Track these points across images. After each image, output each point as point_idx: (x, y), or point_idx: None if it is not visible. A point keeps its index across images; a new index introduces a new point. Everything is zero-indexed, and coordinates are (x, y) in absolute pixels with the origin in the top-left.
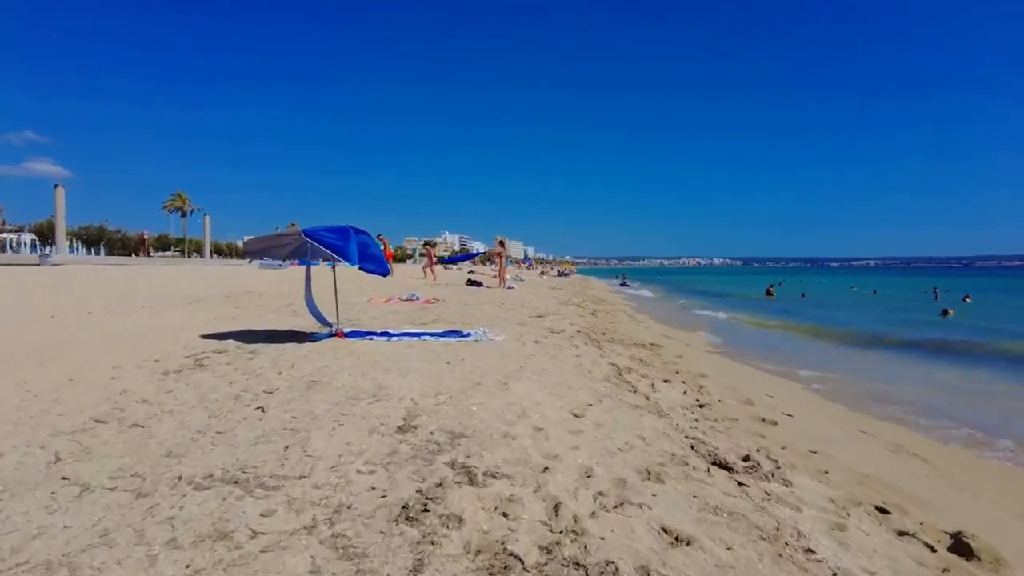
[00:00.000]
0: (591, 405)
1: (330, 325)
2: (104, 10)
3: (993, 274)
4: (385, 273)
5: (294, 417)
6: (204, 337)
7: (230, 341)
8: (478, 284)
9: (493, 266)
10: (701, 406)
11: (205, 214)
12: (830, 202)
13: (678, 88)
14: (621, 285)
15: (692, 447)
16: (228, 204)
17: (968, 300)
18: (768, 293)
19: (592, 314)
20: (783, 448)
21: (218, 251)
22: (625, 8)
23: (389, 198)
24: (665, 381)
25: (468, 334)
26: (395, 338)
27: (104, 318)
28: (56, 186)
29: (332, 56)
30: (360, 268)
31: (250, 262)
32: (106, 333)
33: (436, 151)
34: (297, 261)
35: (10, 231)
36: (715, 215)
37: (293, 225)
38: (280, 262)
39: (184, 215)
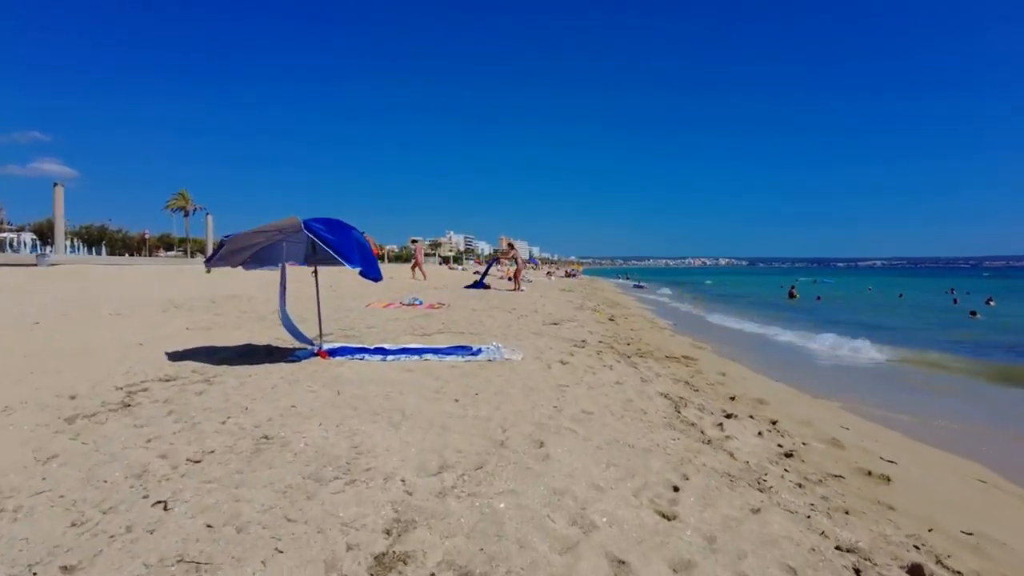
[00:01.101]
0: (678, 489)
1: (311, 343)
2: (109, 7)
3: (1004, 275)
4: (378, 278)
5: (209, 526)
6: (160, 356)
7: (188, 362)
8: (485, 287)
9: (498, 267)
10: (788, 455)
11: (207, 214)
12: (836, 202)
13: (684, 87)
14: (635, 287)
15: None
16: (232, 203)
17: (992, 303)
18: (791, 296)
19: (610, 320)
20: (930, 531)
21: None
22: (633, 6)
23: (393, 197)
24: (728, 416)
25: (478, 350)
26: (391, 357)
27: (55, 329)
28: (55, 185)
29: (337, 54)
30: (360, 273)
31: (209, 271)
32: (37, 352)
33: (440, 151)
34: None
35: (10, 231)
36: (720, 215)
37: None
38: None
39: (187, 214)
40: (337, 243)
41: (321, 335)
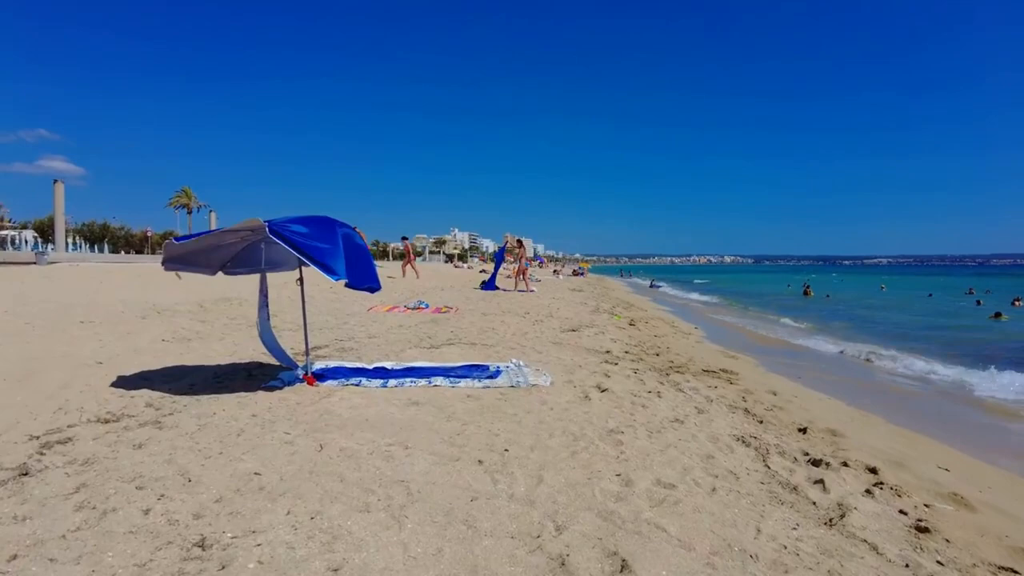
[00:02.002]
0: None
1: (296, 366)
2: (114, 2)
3: (1012, 272)
4: (374, 287)
5: None
6: (115, 381)
7: (145, 391)
8: (495, 288)
9: (505, 265)
10: (922, 529)
11: (211, 211)
12: (841, 199)
13: (689, 84)
14: (650, 286)
15: None
16: (236, 200)
17: (1019, 304)
18: (805, 293)
19: (631, 324)
20: None
21: None
22: (637, 4)
23: (398, 194)
24: (816, 463)
25: (497, 371)
26: (392, 381)
27: (5, 343)
28: (55, 182)
29: (342, 50)
30: (348, 285)
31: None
32: None
33: (444, 147)
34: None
35: (12, 228)
36: (725, 213)
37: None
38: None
39: (190, 212)
40: (313, 248)
41: (308, 355)
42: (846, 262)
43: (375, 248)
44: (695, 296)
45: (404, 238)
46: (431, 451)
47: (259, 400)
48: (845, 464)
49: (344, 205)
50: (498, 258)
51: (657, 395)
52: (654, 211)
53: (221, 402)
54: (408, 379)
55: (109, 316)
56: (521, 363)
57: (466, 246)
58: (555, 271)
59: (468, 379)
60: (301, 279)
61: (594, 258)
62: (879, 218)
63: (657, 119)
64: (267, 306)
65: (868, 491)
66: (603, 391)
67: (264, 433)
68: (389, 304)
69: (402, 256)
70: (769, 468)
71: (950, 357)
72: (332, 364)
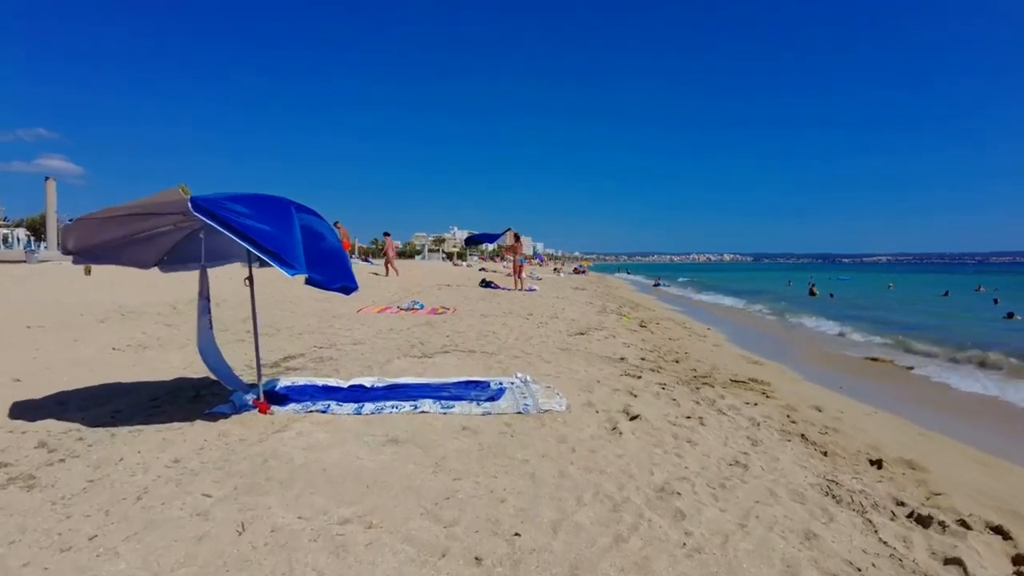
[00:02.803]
0: None
1: (246, 389)
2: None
3: (1014, 270)
4: (350, 288)
5: None
6: (18, 406)
7: (46, 424)
8: (493, 286)
9: (505, 263)
10: None
11: None
12: (840, 196)
13: (689, 81)
14: (654, 286)
15: None
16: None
17: None
18: (811, 293)
19: (641, 326)
20: None
21: None
22: (634, 1)
23: (398, 190)
24: (925, 521)
25: (500, 389)
26: (369, 406)
27: None
28: (47, 179)
29: (342, 47)
30: (308, 281)
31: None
32: None
33: (445, 147)
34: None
35: (5, 226)
36: (725, 211)
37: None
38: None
39: None
40: (258, 232)
41: (260, 374)
42: (845, 260)
43: (373, 247)
44: (700, 294)
45: (386, 234)
46: (406, 534)
47: (191, 436)
48: (964, 524)
49: (345, 203)
50: (490, 240)
51: (700, 422)
52: (653, 210)
53: (140, 439)
54: (389, 402)
55: (63, 320)
56: (528, 378)
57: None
58: (556, 269)
59: (464, 401)
60: (251, 277)
61: (594, 256)
62: (878, 215)
63: (659, 117)
64: (209, 311)
65: (1019, 574)
66: (633, 418)
67: (174, 497)
68: (382, 304)
69: (413, 254)
70: (885, 542)
71: (981, 358)
72: (300, 381)
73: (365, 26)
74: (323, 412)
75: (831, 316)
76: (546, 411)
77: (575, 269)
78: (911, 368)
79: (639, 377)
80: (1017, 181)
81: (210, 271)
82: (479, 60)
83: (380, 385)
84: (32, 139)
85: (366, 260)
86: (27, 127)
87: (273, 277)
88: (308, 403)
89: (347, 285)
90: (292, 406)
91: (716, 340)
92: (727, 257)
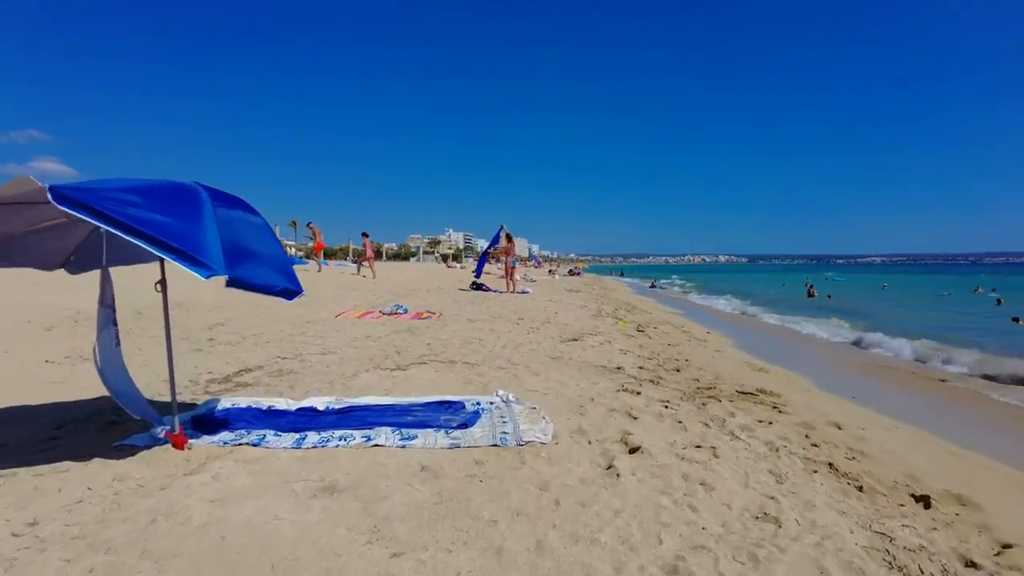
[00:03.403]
0: None
1: (158, 420)
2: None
3: (1007, 271)
4: (293, 293)
5: None
6: None
7: None
8: (484, 288)
9: (499, 264)
10: None
11: None
12: (832, 191)
13: (687, 78)
14: (651, 287)
15: None
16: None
17: None
18: (809, 295)
19: (639, 331)
20: None
21: None
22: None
23: (392, 190)
24: None
25: (475, 412)
26: (314, 437)
27: None
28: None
29: (334, 45)
30: (231, 283)
31: None
32: None
33: (440, 146)
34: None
35: None
36: (719, 212)
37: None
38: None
39: None
40: (155, 225)
41: (175, 399)
42: (840, 261)
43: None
44: (697, 296)
45: (364, 234)
46: None
47: (74, 482)
48: None
49: (340, 204)
50: (481, 260)
51: (712, 453)
52: (649, 212)
53: (8, 486)
54: (340, 431)
55: (6, 327)
56: (510, 397)
57: (461, 246)
58: (551, 271)
59: (430, 429)
60: (163, 281)
61: (589, 257)
62: (872, 215)
63: (656, 114)
64: (114, 323)
65: None
66: (633, 451)
67: None
68: (364, 308)
69: (409, 256)
70: None
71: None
72: (242, 403)
73: (356, 23)
74: (255, 445)
75: (832, 319)
76: (527, 442)
77: (570, 271)
78: (914, 373)
79: (638, 393)
80: (1010, 182)
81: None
82: (474, 58)
83: (336, 407)
84: (25, 141)
85: (355, 262)
86: (20, 129)
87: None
88: (243, 432)
89: (289, 288)
90: (223, 435)
91: (717, 345)
92: (722, 258)
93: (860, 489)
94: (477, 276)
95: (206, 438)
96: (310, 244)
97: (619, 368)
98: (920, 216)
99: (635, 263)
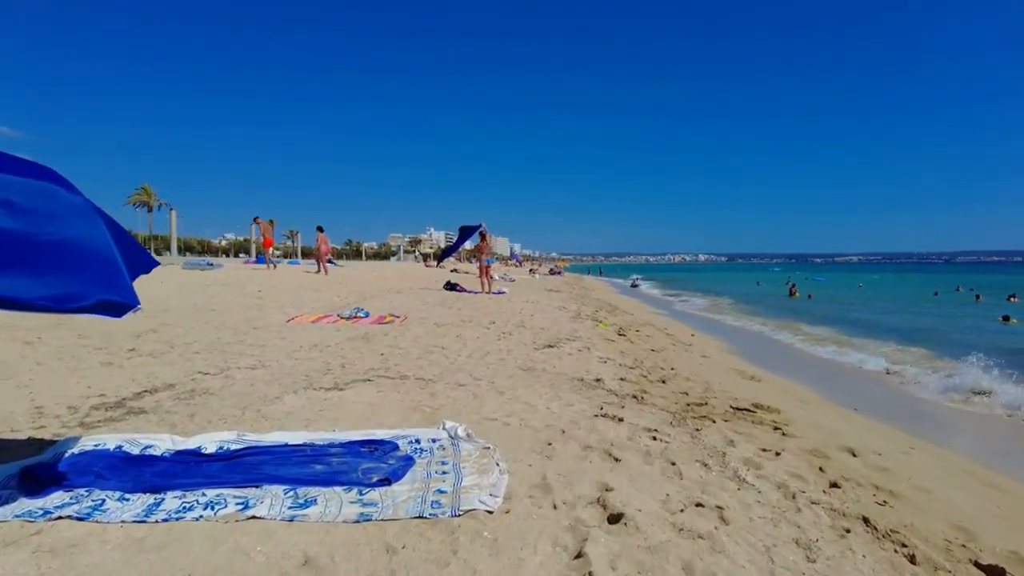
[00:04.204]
0: None
1: None
2: None
3: (981, 270)
4: (115, 304)
5: None
6: None
7: None
8: (458, 289)
9: (475, 262)
10: None
11: (171, 209)
12: (812, 193)
13: (667, 76)
14: (631, 286)
15: None
16: (201, 198)
17: (1015, 300)
18: (791, 294)
19: (620, 334)
20: None
21: (189, 248)
22: None
23: (370, 187)
24: None
25: (407, 457)
26: (168, 502)
27: None
28: None
29: (312, 40)
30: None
31: None
32: None
33: (421, 144)
34: (252, 259)
35: None
36: (700, 212)
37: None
38: (207, 261)
39: (151, 210)
40: None
41: None
42: (817, 260)
43: (347, 247)
44: (679, 296)
45: (319, 228)
46: None
47: None
48: None
49: (319, 203)
50: (460, 240)
51: (719, 515)
52: (630, 213)
53: None
54: (213, 491)
55: None
56: (459, 431)
57: (442, 245)
58: (531, 270)
59: (338, 487)
60: None
61: (571, 257)
62: (848, 214)
63: (638, 112)
64: None
65: None
66: (614, 520)
67: None
68: (321, 312)
69: (389, 255)
70: None
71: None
72: (110, 442)
73: (333, 17)
74: (81, 519)
75: (817, 320)
76: (468, 511)
77: (551, 270)
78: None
79: (620, 420)
80: (982, 182)
81: (186, 269)
82: (455, 53)
83: (232, 448)
84: None
85: (330, 262)
86: None
87: (208, 280)
88: (82, 493)
89: (107, 300)
90: (51, 499)
91: (703, 349)
92: (702, 257)
93: (912, 560)
94: (438, 264)
95: (23, 502)
96: (264, 242)
97: (598, 380)
98: (895, 216)
99: (616, 262)
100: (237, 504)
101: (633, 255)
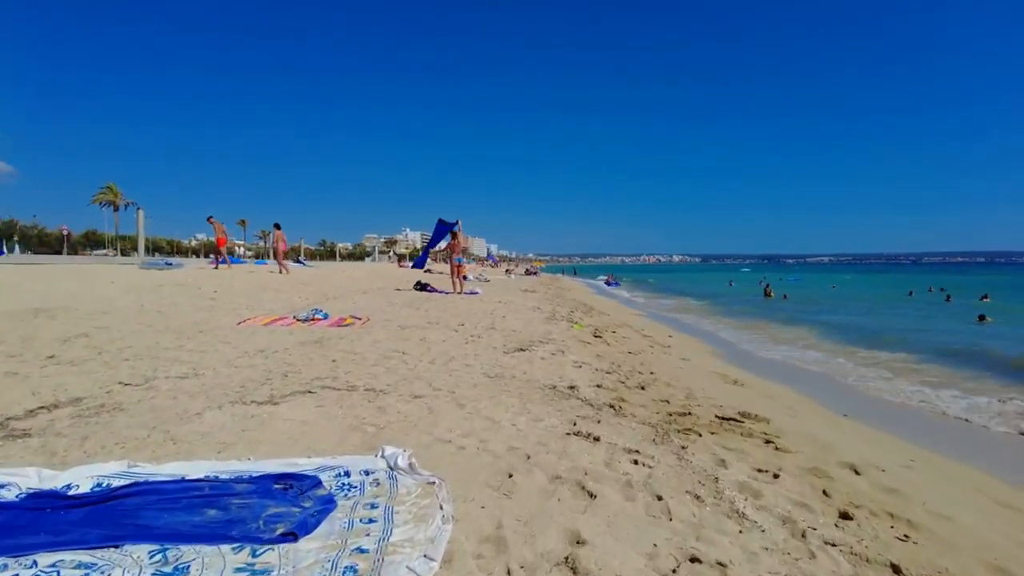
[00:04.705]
0: None
1: None
2: None
3: (946, 270)
4: None
5: None
6: None
7: None
8: (429, 289)
9: (448, 262)
10: None
11: (139, 208)
12: (783, 196)
13: (642, 77)
14: (607, 284)
15: None
16: (169, 197)
17: (988, 300)
18: (767, 294)
19: (596, 336)
20: None
21: (158, 248)
22: None
23: (346, 188)
24: None
25: (328, 498)
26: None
27: None
28: None
29: (280, 39)
30: None
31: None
32: None
33: (397, 144)
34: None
35: None
36: (675, 213)
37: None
38: (166, 261)
39: (116, 209)
40: None
41: None
42: (789, 260)
43: (321, 248)
44: (655, 295)
45: (276, 226)
46: None
47: None
48: None
49: (293, 204)
50: (438, 236)
51: (721, 574)
52: (605, 214)
53: None
54: (52, 555)
55: None
56: (399, 460)
57: (417, 245)
58: (507, 271)
59: (224, 544)
60: None
61: (548, 257)
62: (819, 215)
63: (610, 116)
64: None
65: None
66: None
67: None
68: (277, 313)
69: (364, 256)
70: None
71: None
72: None
73: (301, 16)
74: None
75: (795, 320)
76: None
77: (527, 270)
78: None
79: (596, 439)
80: (947, 184)
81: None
82: (435, 55)
83: (112, 484)
84: None
85: (298, 261)
86: None
87: (164, 281)
88: None
89: None
90: None
91: (682, 351)
92: (676, 258)
93: None
94: (416, 266)
95: None
96: (222, 240)
97: (572, 388)
98: (864, 217)
99: (592, 263)
100: (82, 573)
101: (609, 256)
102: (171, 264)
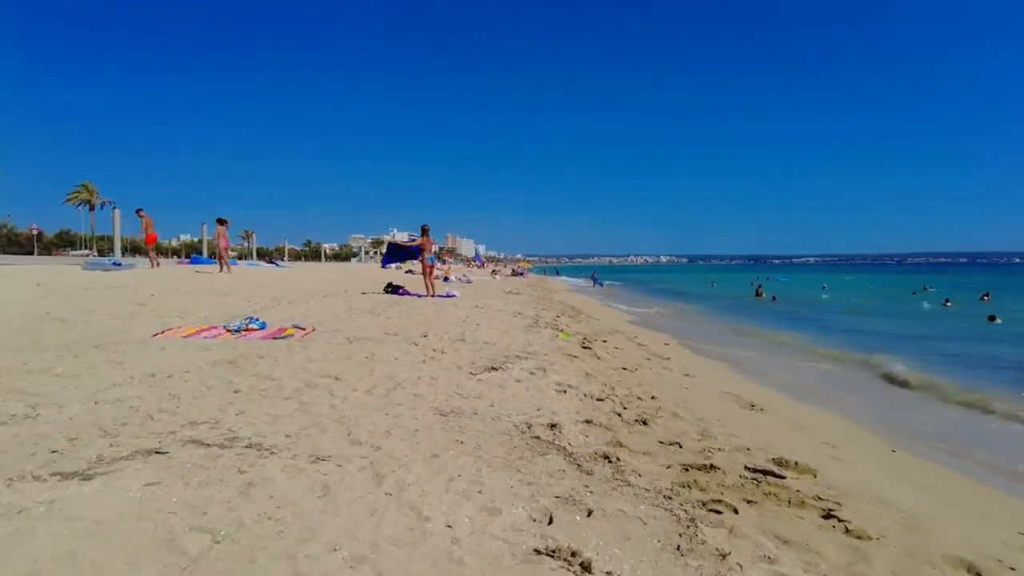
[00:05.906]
0: None
1: None
2: None
3: (931, 270)
4: None
5: None
6: None
7: None
8: (401, 292)
9: (413, 263)
10: None
11: (115, 207)
12: (765, 190)
13: (632, 72)
14: (594, 283)
15: None
16: (147, 196)
17: (988, 299)
18: (757, 295)
19: (584, 347)
20: None
21: (136, 249)
22: None
23: (331, 186)
24: None
25: None
26: None
27: None
28: None
29: (260, 36)
30: None
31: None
32: None
33: (385, 144)
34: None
35: None
36: (662, 214)
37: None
38: (114, 261)
39: (92, 208)
40: None
41: None
42: (776, 261)
43: (307, 249)
44: (644, 296)
45: (219, 221)
46: None
47: None
48: None
49: (277, 203)
50: (406, 253)
51: None
52: (593, 216)
53: None
54: None
55: None
56: None
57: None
58: (493, 271)
59: None
60: None
61: (535, 258)
62: (805, 214)
63: (598, 106)
64: None
65: None
66: None
67: None
68: (208, 322)
69: (350, 256)
70: None
71: None
72: None
73: (281, 12)
74: None
75: (789, 324)
76: None
77: (513, 271)
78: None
79: (585, 568)
80: (930, 185)
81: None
82: (421, 53)
83: None
84: None
85: (271, 262)
86: None
87: (99, 283)
88: None
89: None
90: None
91: (681, 363)
92: (663, 259)
93: None
94: (383, 265)
95: None
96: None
97: (553, 428)
98: (849, 217)
99: (580, 263)
100: None
101: (597, 256)
102: (120, 264)
